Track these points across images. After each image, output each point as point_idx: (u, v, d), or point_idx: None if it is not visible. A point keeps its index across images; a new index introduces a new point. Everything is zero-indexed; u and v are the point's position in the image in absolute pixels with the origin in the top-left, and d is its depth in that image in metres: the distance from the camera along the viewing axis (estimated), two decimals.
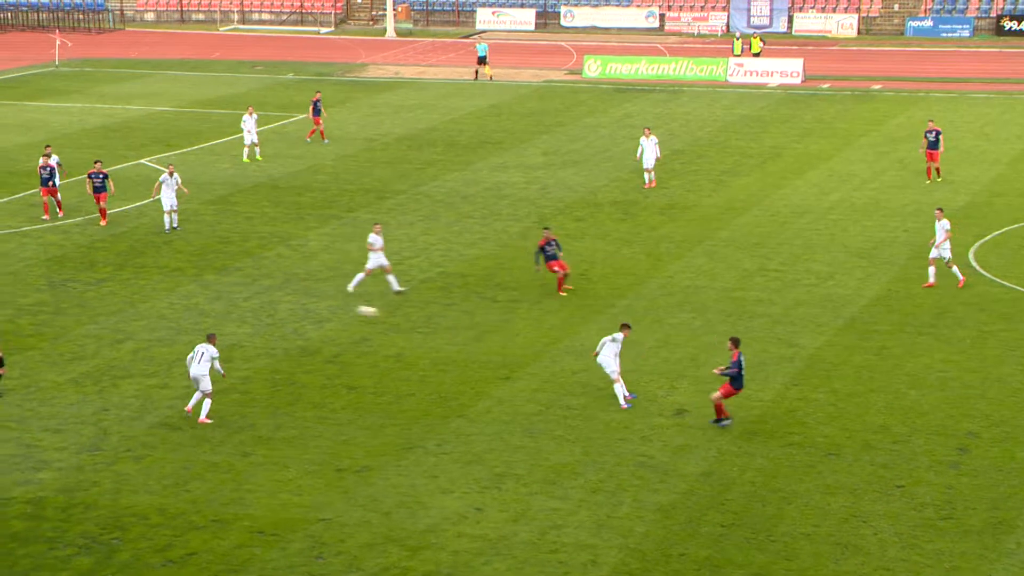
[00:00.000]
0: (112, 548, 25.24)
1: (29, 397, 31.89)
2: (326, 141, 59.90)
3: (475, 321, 37.25)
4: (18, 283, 40.30)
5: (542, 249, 39.13)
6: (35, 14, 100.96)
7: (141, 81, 77.69)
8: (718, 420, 30.11)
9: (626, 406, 31.05)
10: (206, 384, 30.48)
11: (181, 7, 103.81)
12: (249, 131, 56.05)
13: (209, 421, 30.55)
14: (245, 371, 33.59)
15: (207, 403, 30.64)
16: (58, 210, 46.77)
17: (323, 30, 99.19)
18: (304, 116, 65.85)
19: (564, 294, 38.94)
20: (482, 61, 78.52)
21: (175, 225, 45.39)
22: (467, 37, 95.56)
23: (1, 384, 32.00)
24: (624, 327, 31.51)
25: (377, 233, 39.48)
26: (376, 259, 39.28)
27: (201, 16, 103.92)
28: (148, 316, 37.61)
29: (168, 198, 45.37)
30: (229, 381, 32.59)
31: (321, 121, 60.28)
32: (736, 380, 29.86)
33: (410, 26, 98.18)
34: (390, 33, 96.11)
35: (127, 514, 26.40)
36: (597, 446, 29.27)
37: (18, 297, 38.88)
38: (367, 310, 37.15)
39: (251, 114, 56.46)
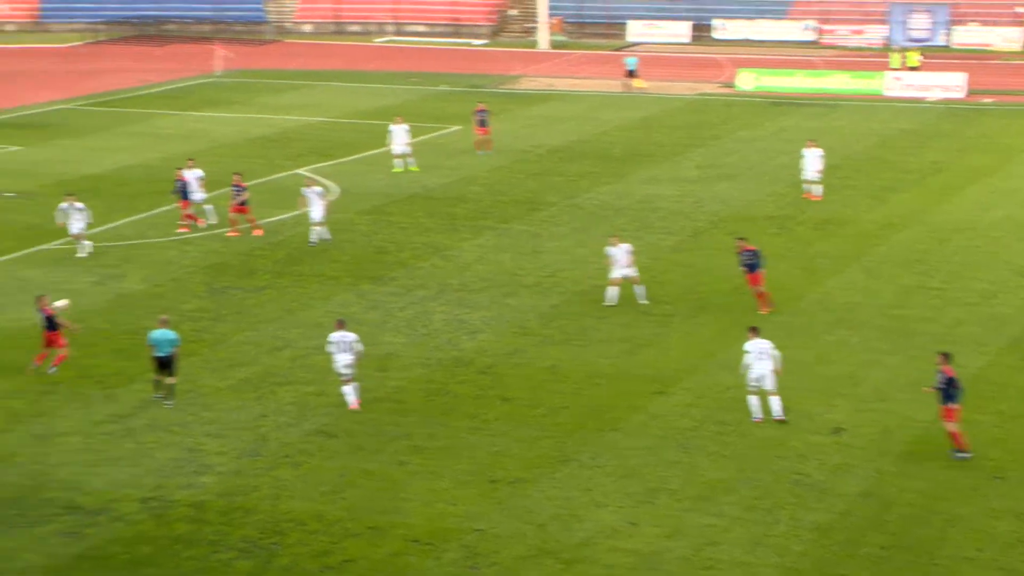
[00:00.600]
0: (271, 553, 25.54)
1: (192, 402, 32.43)
2: (489, 152, 60.02)
3: (629, 334, 37.09)
4: (180, 290, 41.06)
5: (739, 257, 38.74)
6: (198, 26, 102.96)
7: (299, 92, 78.82)
8: (957, 451, 28.68)
9: (759, 418, 30.70)
10: (350, 372, 31.16)
11: (337, 19, 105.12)
12: (398, 142, 56.41)
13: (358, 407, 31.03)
14: (400, 380, 33.82)
15: (355, 387, 31.29)
16: (196, 221, 47.25)
17: (477, 42, 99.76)
18: (457, 128, 66.22)
19: (765, 312, 38.03)
20: (631, 74, 78.50)
21: (326, 237, 45.61)
22: (619, 50, 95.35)
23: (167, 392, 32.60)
24: (752, 330, 31.28)
25: (615, 245, 39.37)
26: (621, 270, 39.13)
27: (357, 28, 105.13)
28: (305, 324, 38.05)
29: (316, 210, 45.67)
30: (384, 391, 32.84)
31: (488, 132, 60.41)
32: (950, 396, 28.72)
33: (563, 38, 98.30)
34: (543, 45, 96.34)
35: (285, 519, 26.71)
36: (752, 463, 28.93)
37: (180, 303, 39.59)
38: None
39: (399, 124, 56.87)
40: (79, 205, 44.27)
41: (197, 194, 47.78)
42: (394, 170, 56.29)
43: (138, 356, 34.63)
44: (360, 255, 44.87)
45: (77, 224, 44.11)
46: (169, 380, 32.23)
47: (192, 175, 47.97)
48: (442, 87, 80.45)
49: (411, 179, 55.55)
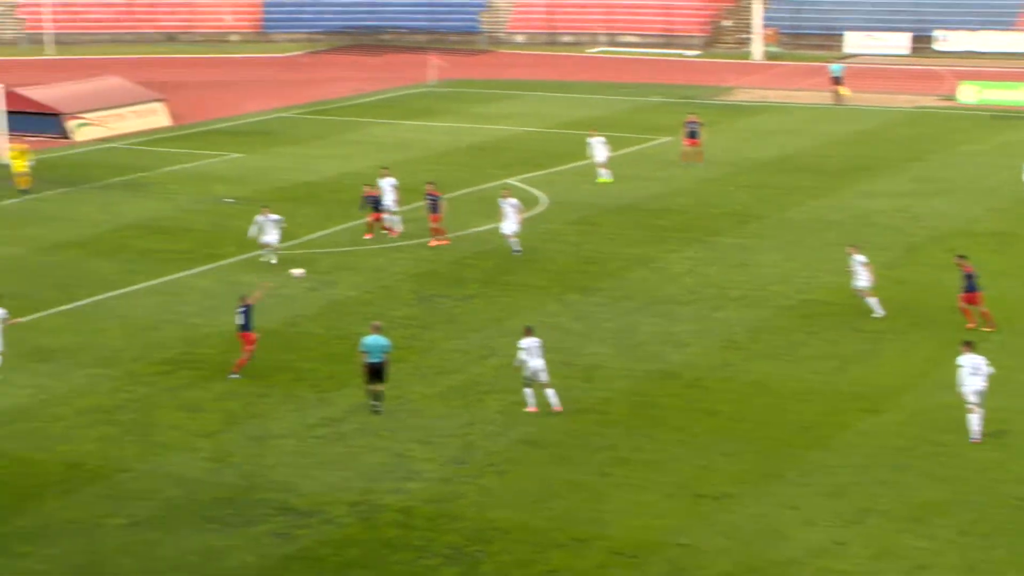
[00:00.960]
0: (476, 560, 25.79)
1: (400, 408, 32.93)
2: (699, 164, 59.72)
3: (839, 351, 36.56)
4: (390, 297, 41.74)
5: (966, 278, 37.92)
6: (413, 36, 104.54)
7: (510, 102, 79.47)
8: None
9: (977, 439, 29.91)
10: (545, 376, 31.71)
11: (551, 30, 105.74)
12: (598, 153, 56.51)
13: (561, 408, 31.73)
14: (605, 392, 33.85)
15: (552, 392, 32.18)
16: (390, 232, 47.73)
17: (689, 53, 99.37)
18: (668, 139, 66.05)
19: (975, 327, 37.30)
20: (837, 81, 77.51)
21: (516, 249, 45.78)
22: (837, 61, 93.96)
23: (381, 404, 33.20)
24: (966, 345, 30.54)
25: (854, 253, 39.01)
26: (863, 280, 38.84)
27: (569, 39, 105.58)
28: (513, 333, 38.22)
29: (508, 223, 45.77)
30: (590, 402, 32.93)
31: (698, 144, 60.07)
32: None
33: (778, 49, 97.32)
34: (757, 56, 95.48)
35: (490, 528, 26.94)
36: (969, 485, 28.24)
37: (390, 310, 40.24)
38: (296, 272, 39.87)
39: (595, 137, 56.85)
40: (274, 217, 45.41)
41: (389, 202, 48.38)
42: (599, 180, 56.40)
43: (350, 361, 35.29)
44: (568, 265, 45.04)
45: (272, 235, 45.15)
46: (379, 387, 32.79)
47: (387, 183, 48.62)
48: (653, 98, 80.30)
49: (619, 190, 55.60)
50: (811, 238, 48.01)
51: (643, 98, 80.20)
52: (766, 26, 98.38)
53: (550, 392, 32.56)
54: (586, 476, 29.10)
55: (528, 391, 32.58)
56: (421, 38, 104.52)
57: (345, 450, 30.60)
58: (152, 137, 69.30)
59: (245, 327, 35.33)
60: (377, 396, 32.77)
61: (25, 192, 55.23)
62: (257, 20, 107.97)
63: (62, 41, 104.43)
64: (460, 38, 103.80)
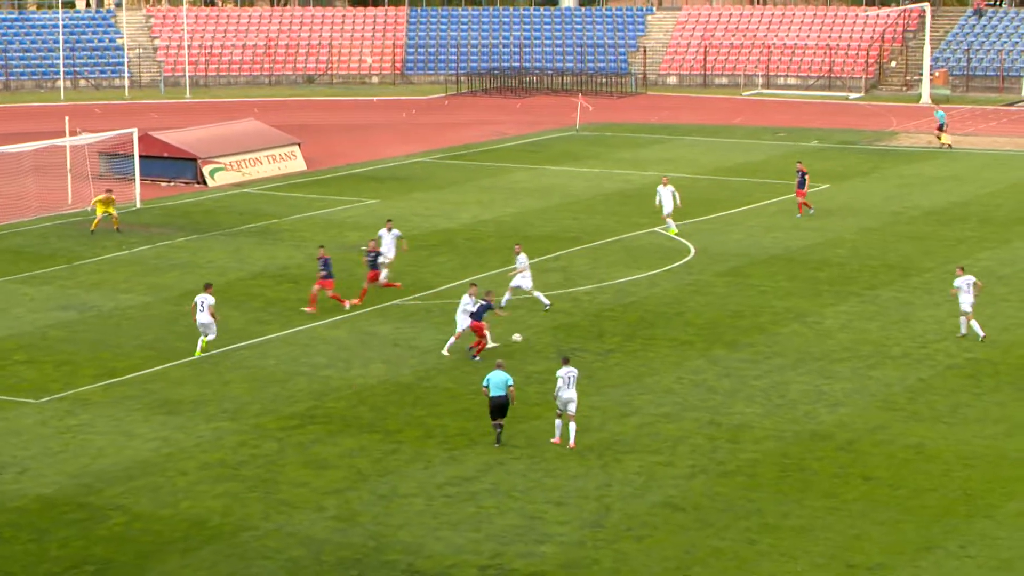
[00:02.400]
0: None
1: (534, 467, 32.94)
2: (811, 211, 59.08)
3: (1007, 414, 35.84)
4: (527, 350, 41.81)
5: None
6: (559, 78, 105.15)
7: (659, 146, 79.48)
8: None
9: None
10: (574, 407, 33.98)
11: (704, 71, 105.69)
12: (665, 202, 55.61)
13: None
14: (753, 453, 33.55)
15: (574, 427, 33.92)
16: (390, 285, 47.66)
17: (852, 95, 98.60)
18: (826, 186, 65.53)
19: None
20: (941, 128, 76.50)
21: (545, 302, 45.63)
22: (1011, 105, 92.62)
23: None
24: None
25: None
26: None
27: (724, 80, 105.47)
28: (655, 390, 38.20)
29: (525, 280, 45.36)
30: (736, 464, 32.66)
31: (804, 194, 59.40)
32: None
33: (948, 92, 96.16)
34: (925, 99, 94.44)
35: None
36: None
37: (526, 364, 40.31)
38: (516, 337, 41.91)
39: (665, 185, 56.10)
40: (396, 232, 48.89)
41: (390, 254, 49.09)
42: (669, 231, 55.48)
43: (482, 417, 35.43)
44: (715, 319, 44.80)
45: (390, 250, 48.36)
46: (500, 421, 34.23)
47: (390, 236, 49.28)
48: (813, 143, 79.76)
49: (772, 240, 55.22)
50: (980, 293, 47.24)
51: (800, 143, 79.67)
52: (936, 67, 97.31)
53: (572, 426, 34.07)
54: (731, 543, 28.81)
55: (558, 422, 34.35)
56: (568, 80, 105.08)
57: (475, 510, 30.66)
58: (287, 182, 70.48)
59: (477, 316, 40.21)
60: (498, 435, 34.20)
61: (116, 230, 56.95)
62: (399, 61, 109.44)
63: (200, 84, 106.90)
64: (609, 80, 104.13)
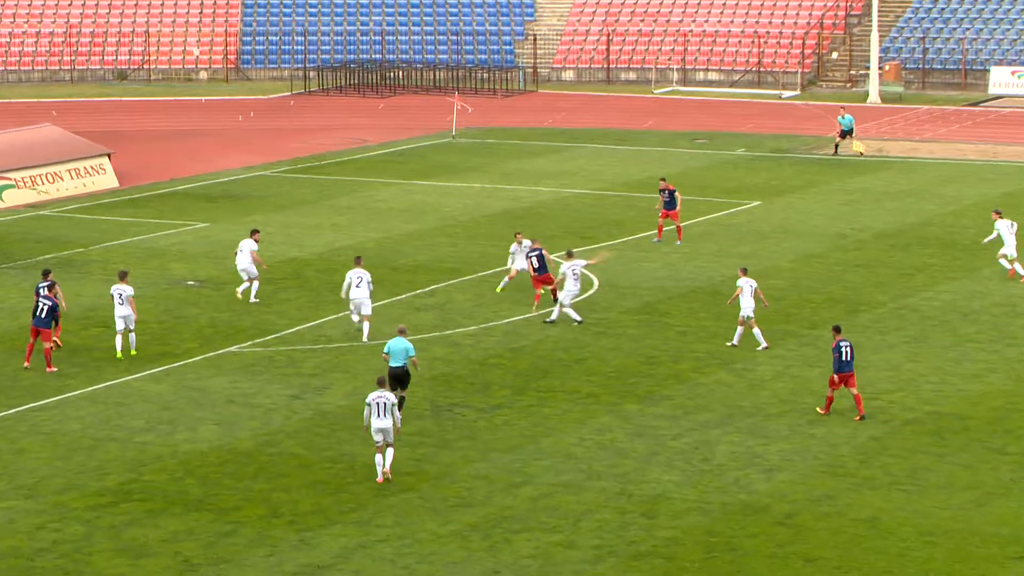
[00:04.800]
0: None
1: (404, 551, 32.89)
2: (678, 242, 59.59)
3: (978, 479, 36.36)
4: None
5: None
6: (430, 72, 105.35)
7: (555, 156, 79.88)
8: None
9: None
10: (391, 436, 36.43)
11: (608, 64, 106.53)
12: (518, 262, 52.75)
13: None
14: (672, 530, 33.76)
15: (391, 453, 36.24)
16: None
17: (786, 94, 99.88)
18: (756, 203, 66.24)
19: None
20: (846, 135, 78.36)
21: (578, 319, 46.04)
22: (975, 105, 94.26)
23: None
24: None
25: None
26: None
27: (632, 75, 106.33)
28: (552, 454, 38.30)
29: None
30: (651, 544, 32.82)
31: (677, 216, 59.88)
32: None
33: (900, 89, 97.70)
34: (873, 98, 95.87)
35: None
36: None
37: None
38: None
39: (521, 241, 52.75)
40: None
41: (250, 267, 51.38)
42: (497, 289, 54.47)
43: (340, 490, 35.34)
44: (625, 366, 45.04)
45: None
46: (401, 393, 39.75)
47: (247, 246, 51.89)
48: (739, 151, 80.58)
49: (693, 269, 55.69)
50: (941, 333, 47.89)
51: (725, 151, 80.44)
52: (885, 60, 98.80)
53: (389, 452, 36.48)
54: None
55: (378, 457, 36.46)
56: (441, 75, 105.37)
57: None
58: (94, 202, 69.91)
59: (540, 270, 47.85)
60: (401, 403, 38.96)
61: None
62: (232, 52, 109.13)
63: None
64: (491, 75, 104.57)
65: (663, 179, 61.92)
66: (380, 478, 36.48)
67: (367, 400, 36.62)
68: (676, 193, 59.99)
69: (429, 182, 73.35)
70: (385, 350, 40.16)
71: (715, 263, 56.89)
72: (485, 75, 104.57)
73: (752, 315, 46.43)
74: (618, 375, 44.32)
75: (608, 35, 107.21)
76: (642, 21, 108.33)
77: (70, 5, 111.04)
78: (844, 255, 57.75)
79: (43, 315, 45.21)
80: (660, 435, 39.51)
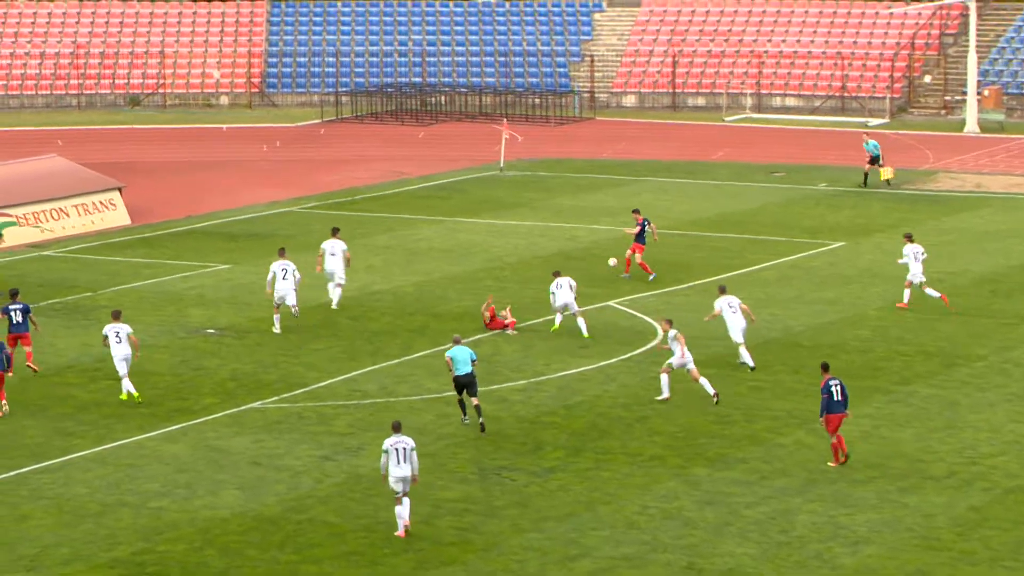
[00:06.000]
0: None
1: None
2: (651, 276, 60.54)
3: None
4: (438, 468, 41.79)
5: None
6: (476, 97, 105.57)
7: (614, 191, 79.86)
8: None
9: None
10: (407, 486, 37.34)
11: (674, 89, 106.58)
12: (560, 297, 54.55)
13: None
14: None
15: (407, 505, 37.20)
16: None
17: (872, 122, 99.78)
18: (840, 244, 66.08)
19: None
20: (874, 161, 78.60)
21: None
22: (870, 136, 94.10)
23: None
24: None
25: None
26: None
27: (700, 101, 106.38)
28: (612, 524, 38.24)
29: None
30: None
31: (642, 250, 61.30)
32: None
33: (1001, 117, 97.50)
34: (971, 127, 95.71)
35: None
36: None
37: (437, 490, 40.28)
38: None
39: (562, 276, 55.39)
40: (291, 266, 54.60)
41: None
42: (552, 329, 54.87)
43: (377, 562, 35.43)
44: (693, 425, 44.98)
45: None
46: (475, 401, 43.95)
47: (338, 247, 55.18)
48: (821, 185, 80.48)
49: (771, 317, 55.61)
50: None
51: (805, 186, 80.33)
52: (984, 84, 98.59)
53: (406, 502, 37.22)
54: None
55: (398, 508, 37.31)
56: (488, 100, 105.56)
57: None
58: (104, 241, 70.22)
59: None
60: (478, 411, 43.91)
61: None
62: (256, 76, 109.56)
63: None
64: (544, 100, 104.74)
65: (636, 211, 63.52)
66: (402, 532, 37.21)
67: (384, 447, 37.47)
68: (648, 225, 62.00)
69: (474, 219, 73.41)
70: (449, 355, 44.22)
71: (793, 311, 56.80)
72: (537, 100, 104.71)
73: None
74: (685, 435, 44.25)
75: (674, 56, 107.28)
76: (712, 41, 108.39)
77: (77, 24, 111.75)
78: (938, 303, 57.61)
79: (20, 321, 48.13)
80: (733, 503, 39.41)
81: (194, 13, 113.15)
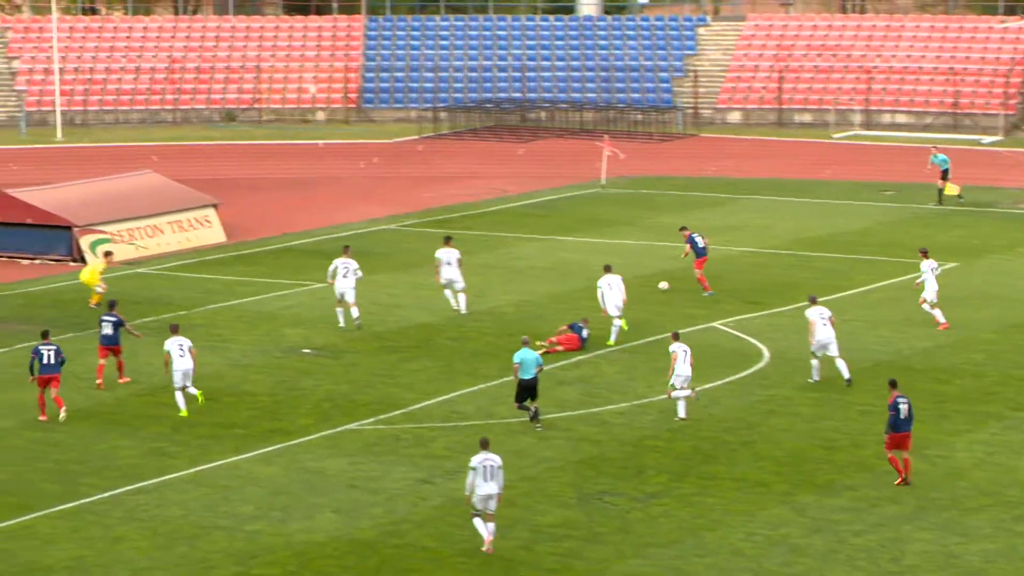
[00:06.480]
0: None
1: None
2: (710, 294, 61.33)
3: None
4: (537, 493, 41.75)
5: None
6: (577, 113, 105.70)
7: (718, 209, 79.74)
8: None
9: None
10: (495, 504, 37.45)
11: (780, 105, 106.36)
12: (609, 299, 55.44)
13: None
14: None
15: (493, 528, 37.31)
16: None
17: (986, 139, 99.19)
18: (955, 264, 65.75)
19: None
20: (944, 176, 78.75)
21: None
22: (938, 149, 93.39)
23: None
24: None
25: None
26: None
27: (807, 117, 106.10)
28: (717, 551, 38.11)
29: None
30: None
31: (702, 264, 62.03)
32: None
33: None
34: None
35: None
36: None
37: (536, 514, 40.23)
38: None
39: (611, 273, 55.98)
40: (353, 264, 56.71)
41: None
42: (608, 342, 55.25)
43: None
44: (800, 450, 44.80)
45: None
46: (535, 405, 45.95)
47: (452, 255, 57.53)
48: (931, 205, 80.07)
49: (879, 340, 55.39)
50: None
51: (916, 205, 79.96)
52: None
53: (491, 526, 37.41)
54: None
55: (477, 521, 37.52)
56: (589, 116, 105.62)
57: None
58: (198, 259, 70.65)
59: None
60: (535, 415, 46.00)
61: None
62: (352, 90, 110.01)
63: (76, 122, 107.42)
64: (646, 116, 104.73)
65: (684, 228, 64.30)
66: (489, 547, 37.37)
67: (472, 464, 37.59)
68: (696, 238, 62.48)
69: (575, 238, 73.47)
70: (517, 359, 45.75)
71: (903, 333, 56.52)
72: (639, 116, 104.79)
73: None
74: (792, 461, 44.06)
75: (780, 71, 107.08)
76: (819, 56, 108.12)
77: (172, 38, 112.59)
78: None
79: (51, 362, 47.77)
80: (841, 531, 39.20)
81: (290, 27, 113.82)
